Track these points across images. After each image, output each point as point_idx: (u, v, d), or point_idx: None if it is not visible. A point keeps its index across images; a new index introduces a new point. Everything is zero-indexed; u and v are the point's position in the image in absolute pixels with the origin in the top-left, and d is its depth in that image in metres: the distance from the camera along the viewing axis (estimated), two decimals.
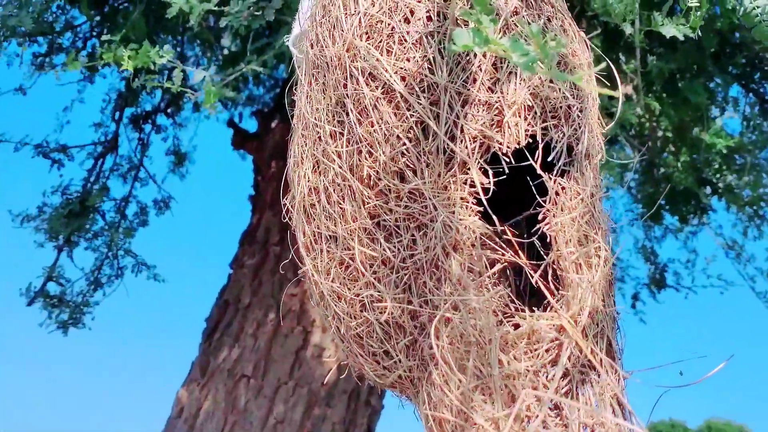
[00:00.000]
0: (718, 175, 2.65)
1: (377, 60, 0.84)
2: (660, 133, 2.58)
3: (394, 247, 0.83)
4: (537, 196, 0.80)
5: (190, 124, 4.08)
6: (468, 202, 0.78)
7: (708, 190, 2.75)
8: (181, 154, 3.73)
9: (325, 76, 0.93)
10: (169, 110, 3.73)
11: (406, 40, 0.85)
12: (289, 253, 3.96)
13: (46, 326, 3.04)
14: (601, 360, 0.77)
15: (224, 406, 3.42)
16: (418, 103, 0.80)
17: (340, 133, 0.89)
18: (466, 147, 0.78)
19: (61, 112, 3.58)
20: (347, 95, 0.87)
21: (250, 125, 5.93)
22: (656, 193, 2.88)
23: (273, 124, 3.99)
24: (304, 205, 0.97)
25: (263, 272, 3.72)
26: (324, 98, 0.92)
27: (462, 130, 0.79)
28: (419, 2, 0.86)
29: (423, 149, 0.80)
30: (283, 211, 1.05)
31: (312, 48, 0.97)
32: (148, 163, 3.61)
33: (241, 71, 2.65)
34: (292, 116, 1.05)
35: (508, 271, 0.89)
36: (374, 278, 0.85)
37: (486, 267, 0.78)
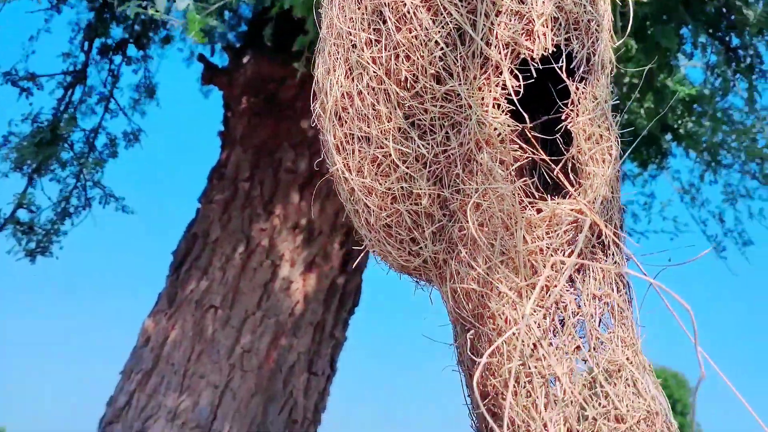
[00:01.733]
0: (679, 122, 2.81)
1: None
2: (626, 80, 2.72)
3: (428, 144, 0.93)
4: (558, 100, 0.92)
5: (157, 57, 4.03)
6: (501, 102, 0.88)
7: (669, 136, 2.92)
8: (152, 87, 3.69)
9: None
10: (140, 41, 3.67)
11: None
12: (258, 189, 4.03)
13: (14, 254, 3.03)
14: (612, 239, 0.90)
15: (192, 336, 3.50)
16: (456, 10, 0.89)
17: (376, 40, 0.97)
18: (500, 52, 0.88)
19: (27, 42, 3.50)
20: (385, 4, 0.95)
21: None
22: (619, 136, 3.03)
23: (244, 60, 3.97)
24: (336, 110, 1.04)
25: (233, 208, 3.76)
26: (360, 8, 0.99)
27: (496, 37, 0.89)
28: None
29: (459, 53, 0.90)
30: (313, 116, 1.12)
31: None
32: (119, 94, 3.57)
33: (224, 1, 2.65)
34: (320, 26, 1.11)
35: (531, 167, 1.00)
36: (407, 173, 0.95)
37: (513, 160, 0.89)
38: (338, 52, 1.03)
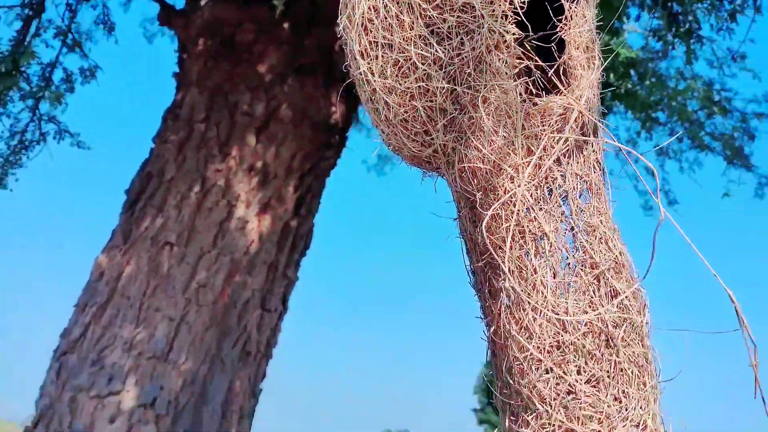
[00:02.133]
0: (620, 81, 3.08)
1: None
2: None
3: (445, 48, 1.10)
4: (553, 17, 1.11)
5: None
6: (508, 14, 1.07)
7: (610, 95, 3.19)
8: (110, 24, 3.66)
9: None
10: None
11: None
12: (214, 131, 4.13)
13: None
14: (593, 127, 1.11)
15: (147, 271, 3.57)
16: None
17: None
18: None
19: None
20: None
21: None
22: None
23: (202, 2, 4.00)
24: (363, 21, 1.19)
25: (187, 148, 3.83)
26: None
27: None
28: None
29: None
30: (339, 27, 1.26)
31: None
32: (75, 29, 3.53)
33: None
34: None
35: (529, 71, 1.19)
36: (425, 73, 1.12)
37: (516, 64, 1.08)
38: None
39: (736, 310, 0.96)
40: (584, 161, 1.08)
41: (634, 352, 1.02)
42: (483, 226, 1.00)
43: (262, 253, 3.80)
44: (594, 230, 1.04)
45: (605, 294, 1.00)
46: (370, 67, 1.20)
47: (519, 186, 1.00)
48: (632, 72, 2.99)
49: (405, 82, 1.12)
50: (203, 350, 3.51)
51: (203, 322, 3.54)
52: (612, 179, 1.11)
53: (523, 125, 1.04)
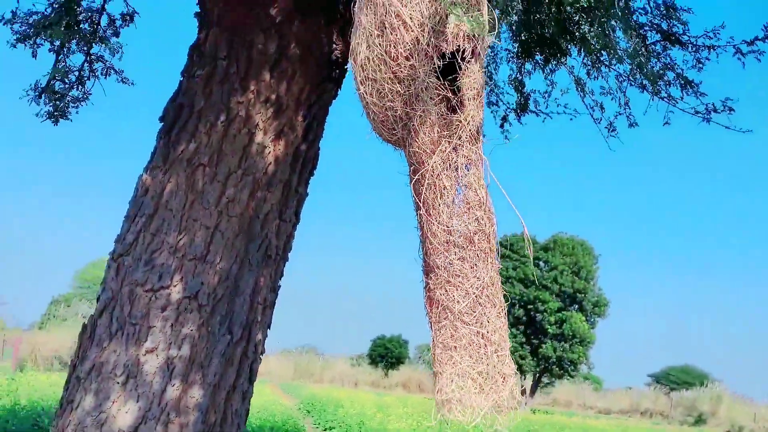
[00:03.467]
0: (575, 26, 3.68)
1: None
2: None
3: (403, 85, 1.83)
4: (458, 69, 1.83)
5: None
6: (435, 68, 1.80)
7: (567, 38, 3.81)
8: None
9: None
10: None
11: None
12: (235, 67, 4.89)
13: (41, 116, 3.62)
14: (477, 129, 1.84)
15: (185, 188, 4.28)
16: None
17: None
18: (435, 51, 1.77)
19: None
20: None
21: None
22: (529, 37, 3.92)
23: None
24: (362, 63, 1.90)
25: (213, 82, 4.45)
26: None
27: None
28: None
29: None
30: (349, 64, 1.95)
31: None
32: None
33: None
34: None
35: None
36: (391, 98, 1.84)
37: (437, 95, 1.83)
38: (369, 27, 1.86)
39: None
40: (468, 149, 1.81)
41: (482, 246, 1.84)
42: (411, 183, 1.78)
43: (279, 173, 4.51)
44: (470, 185, 1.80)
45: (471, 217, 1.77)
46: (366, 91, 1.90)
47: (432, 160, 1.74)
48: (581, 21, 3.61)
49: (382, 101, 1.82)
50: (234, 253, 4.27)
51: (233, 230, 4.28)
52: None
53: (437, 129, 1.78)
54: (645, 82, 4.37)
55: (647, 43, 5.05)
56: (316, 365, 45.74)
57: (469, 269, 1.79)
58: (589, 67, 4.36)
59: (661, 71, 4.90)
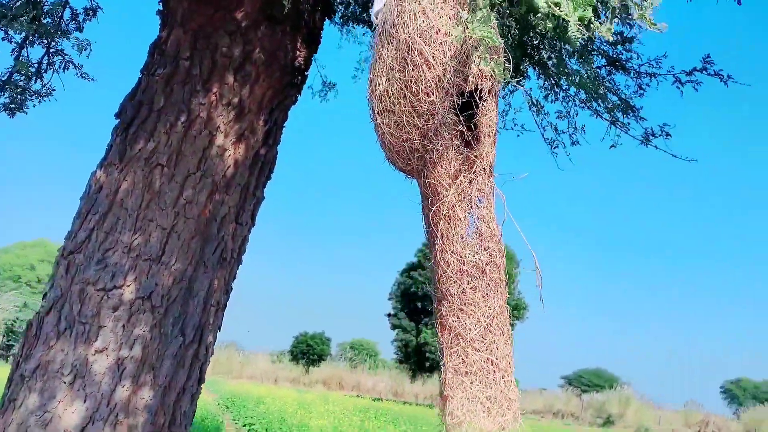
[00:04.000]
0: (536, 51, 3.88)
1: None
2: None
3: (421, 119, 1.94)
4: (475, 107, 1.97)
5: None
6: (454, 106, 1.92)
7: (527, 62, 4.01)
8: None
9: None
10: None
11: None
12: (197, 68, 4.90)
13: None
14: (490, 164, 1.99)
15: (142, 187, 4.24)
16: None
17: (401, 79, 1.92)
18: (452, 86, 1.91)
19: None
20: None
21: None
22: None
23: None
24: (380, 94, 1.99)
25: (174, 82, 4.42)
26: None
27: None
28: None
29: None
30: (368, 93, 2.05)
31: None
32: None
33: None
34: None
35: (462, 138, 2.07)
36: (409, 130, 1.95)
37: (454, 129, 1.95)
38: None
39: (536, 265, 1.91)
40: (481, 183, 1.95)
41: (493, 276, 1.99)
42: (428, 214, 1.90)
43: (237, 176, 4.53)
44: (483, 218, 1.94)
45: (483, 248, 1.92)
46: (383, 121, 2.01)
47: (449, 193, 1.88)
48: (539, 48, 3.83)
49: (400, 132, 1.93)
50: (189, 255, 4.27)
51: (189, 232, 4.28)
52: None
53: (454, 164, 1.91)
54: (598, 108, 4.65)
55: (593, 66, 5.36)
56: (236, 361, 45.07)
57: (481, 298, 1.93)
58: (548, 91, 4.60)
59: (604, 93, 5.20)
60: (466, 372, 1.89)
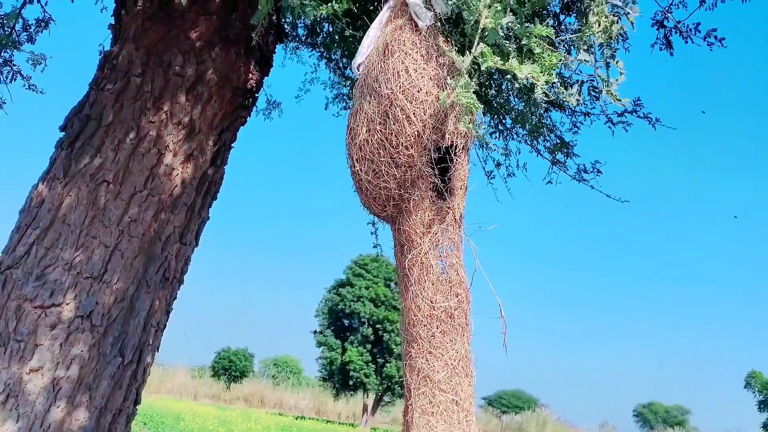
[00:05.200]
0: (482, 89, 4.06)
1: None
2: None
3: (397, 170, 2.05)
4: (449, 162, 2.12)
5: None
6: (430, 159, 2.06)
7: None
8: None
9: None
10: None
11: None
12: (149, 85, 4.91)
13: None
14: (460, 214, 2.13)
15: (86, 203, 4.17)
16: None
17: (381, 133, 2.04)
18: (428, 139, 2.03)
19: None
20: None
21: None
22: None
23: None
24: (359, 143, 2.10)
25: (124, 98, 4.38)
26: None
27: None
28: None
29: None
30: (347, 143, 2.14)
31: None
32: None
33: None
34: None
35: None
36: (386, 180, 2.06)
37: (429, 182, 2.07)
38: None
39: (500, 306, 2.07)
40: (452, 233, 2.09)
41: (460, 321, 2.13)
42: (403, 261, 2.02)
43: (184, 196, 4.52)
44: (452, 265, 2.08)
45: (452, 294, 2.06)
46: (361, 169, 2.11)
47: (423, 241, 2.01)
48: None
49: (377, 180, 2.05)
50: (132, 274, 4.22)
51: (133, 251, 4.23)
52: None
53: (428, 214, 2.04)
54: (539, 147, 4.91)
55: (530, 103, 5.64)
56: (155, 375, 43.67)
57: (449, 342, 2.05)
58: (492, 129, 4.82)
59: (546, 132, 5.47)
60: (432, 412, 2.01)
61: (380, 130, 2.04)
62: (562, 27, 3.45)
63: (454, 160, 2.10)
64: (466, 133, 2.04)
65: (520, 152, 5.05)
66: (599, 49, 1.95)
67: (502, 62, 1.83)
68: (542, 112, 5.82)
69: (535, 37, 1.86)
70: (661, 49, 4.23)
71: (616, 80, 1.95)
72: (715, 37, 3.94)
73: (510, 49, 1.95)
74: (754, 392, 53.19)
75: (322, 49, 6.28)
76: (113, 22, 4.63)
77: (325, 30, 6.30)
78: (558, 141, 5.78)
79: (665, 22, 4.13)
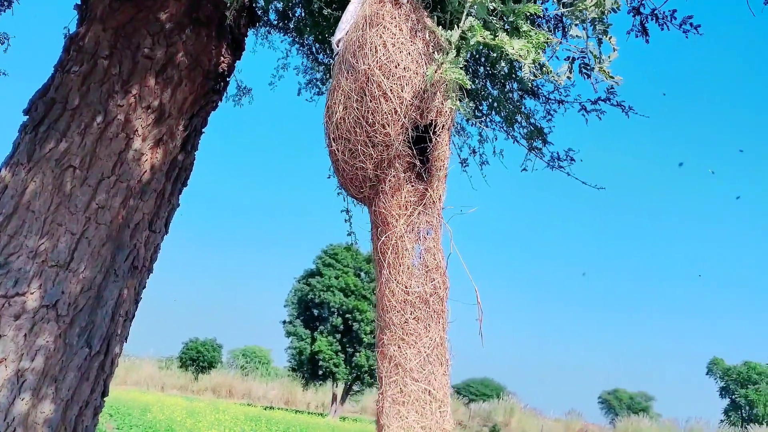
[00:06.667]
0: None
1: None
2: None
3: (374, 149, 1.99)
4: (429, 142, 2.06)
5: None
6: (408, 139, 1.99)
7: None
8: None
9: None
10: None
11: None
12: (117, 68, 4.78)
13: None
14: (439, 196, 2.08)
15: (51, 189, 4.03)
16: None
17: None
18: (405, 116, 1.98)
19: None
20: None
21: None
22: None
23: None
24: (336, 121, 2.02)
25: (91, 81, 4.23)
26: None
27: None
28: None
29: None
30: (324, 120, 2.07)
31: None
32: None
33: None
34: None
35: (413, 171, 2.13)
36: (362, 159, 1.99)
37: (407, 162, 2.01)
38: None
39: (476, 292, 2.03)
40: (430, 216, 2.04)
41: (435, 308, 2.08)
42: (377, 243, 1.96)
43: (153, 182, 4.39)
44: (429, 250, 2.02)
45: (428, 279, 2.00)
46: (337, 148, 2.04)
47: (399, 224, 1.95)
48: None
49: (354, 160, 1.99)
50: (100, 262, 4.09)
51: (100, 238, 4.10)
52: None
53: (405, 195, 1.99)
54: (515, 134, 4.89)
55: (505, 90, 5.62)
56: (121, 367, 43.03)
57: (423, 329, 1.98)
58: (468, 117, 4.76)
59: (522, 119, 5.45)
60: (404, 402, 1.95)
61: (357, 108, 1.97)
62: (548, 3, 3.43)
63: (434, 140, 2.02)
64: (447, 111, 1.98)
65: (496, 138, 5.03)
66: (591, 25, 1.92)
67: (491, 37, 1.78)
68: (517, 99, 5.81)
69: (521, 15, 1.81)
70: (637, 36, 4.23)
71: (609, 57, 1.91)
72: (691, 24, 3.95)
73: (497, 26, 1.90)
74: (715, 379, 54.65)
75: (295, 34, 6.17)
76: (79, 2, 4.46)
77: (297, 14, 6.19)
78: (533, 128, 5.77)
79: (641, 9, 4.13)
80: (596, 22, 1.91)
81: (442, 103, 1.95)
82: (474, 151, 5.12)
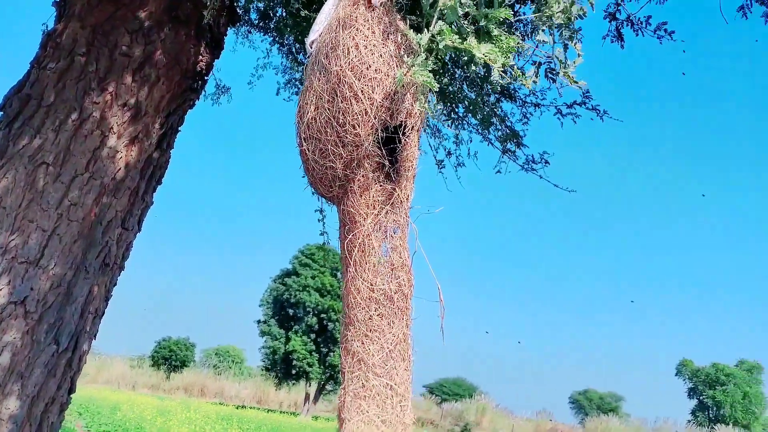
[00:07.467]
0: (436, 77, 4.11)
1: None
2: None
3: (344, 150, 2.02)
4: (398, 143, 2.11)
5: None
6: (378, 139, 2.04)
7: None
8: None
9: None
10: None
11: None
12: (94, 65, 4.78)
13: None
14: (407, 196, 2.13)
15: (23, 186, 4.01)
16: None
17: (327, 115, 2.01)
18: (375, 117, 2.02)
19: None
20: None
21: None
22: None
23: None
24: (307, 121, 2.06)
25: (67, 78, 4.22)
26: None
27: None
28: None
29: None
30: (296, 119, 2.11)
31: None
32: None
33: None
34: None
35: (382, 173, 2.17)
36: (332, 160, 2.04)
37: (377, 163, 2.06)
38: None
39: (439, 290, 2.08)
40: (398, 215, 2.09)
41: (400, 305, 2.14)
42: (344, 241, 2.00)
43: (127, 180, 4.39)
44: (395, 248, 2.08)
45: (393, 277, 2.07)
46: (308, 148, 2.08)
47: (366, 222, 2.00)
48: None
49: (324, 160, 2.03)
50: (71, 259, 4.08)
51: (72, 235, 4.09)
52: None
53: (373, 194, 2.04)
54: (489, 136, 4.96)
55: (482, 93, 5.68)
56: (92, 365, 42.51)
57: (386, 325, 2.03)
58: (445, 117, 4.84)
59: (497, 122, 5.52)
60: (365, 396, 1.99)
61: (328, 108, 2.01)
62: (521, 9, 3.50)
63: (403, 141, 2.07)
64: (416, 113, 2.03)
65: (471, 141, 5.10)
66: (557, 30, 1.97)
67: (460, 41, 1.82)
68: (494, 101, 5.88)
69: (493, 20, 1.86)
70: (612, 41, 4.33)
71: (574, 62, 1.97)
72: (665, 30, 4.04)
73: (468, 30, 1.95)
74: (684, 380, 55.49)
75: (275, 34, 6.19)
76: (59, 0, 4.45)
77: (278, 14, 6.21)
78: (508, 131, 5.85)
79: (617, 15, 4.23)
80: (563, 28, 1.96)
81: (412, 105, 2.00)
82: (449, 153, 5.18)
